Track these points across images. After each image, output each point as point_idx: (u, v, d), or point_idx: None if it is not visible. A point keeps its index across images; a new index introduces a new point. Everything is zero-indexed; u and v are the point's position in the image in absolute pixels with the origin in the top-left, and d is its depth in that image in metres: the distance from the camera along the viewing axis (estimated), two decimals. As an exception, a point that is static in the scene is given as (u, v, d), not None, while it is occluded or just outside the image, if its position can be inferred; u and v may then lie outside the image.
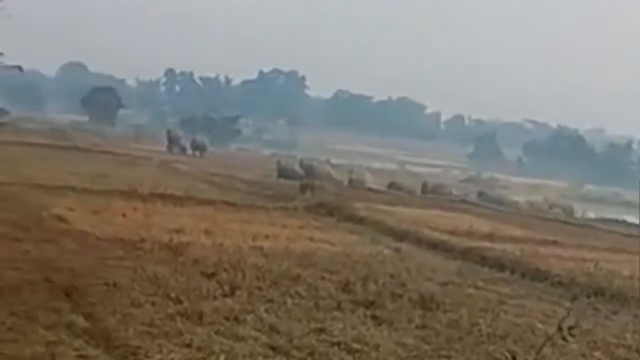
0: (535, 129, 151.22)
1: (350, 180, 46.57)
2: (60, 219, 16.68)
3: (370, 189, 40.87)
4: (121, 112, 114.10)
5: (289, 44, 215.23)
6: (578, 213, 47.32)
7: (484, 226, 25.46)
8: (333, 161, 74.05)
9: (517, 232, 25.46)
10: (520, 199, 49.82)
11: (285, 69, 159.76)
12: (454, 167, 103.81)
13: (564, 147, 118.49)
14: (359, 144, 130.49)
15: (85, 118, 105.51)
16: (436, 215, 26.63)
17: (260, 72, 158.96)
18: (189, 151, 64.83)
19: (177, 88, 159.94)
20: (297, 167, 48.14)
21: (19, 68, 19.50)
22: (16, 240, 13.39)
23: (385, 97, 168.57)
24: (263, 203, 24.93)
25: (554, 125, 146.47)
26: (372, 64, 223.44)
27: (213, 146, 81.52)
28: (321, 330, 10.07)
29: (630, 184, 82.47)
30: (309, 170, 46.19)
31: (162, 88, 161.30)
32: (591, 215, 46.13)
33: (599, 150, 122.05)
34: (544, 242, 23.08)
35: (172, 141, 67.14)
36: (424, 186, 48.53)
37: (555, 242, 23.72)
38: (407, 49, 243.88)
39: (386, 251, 17.83)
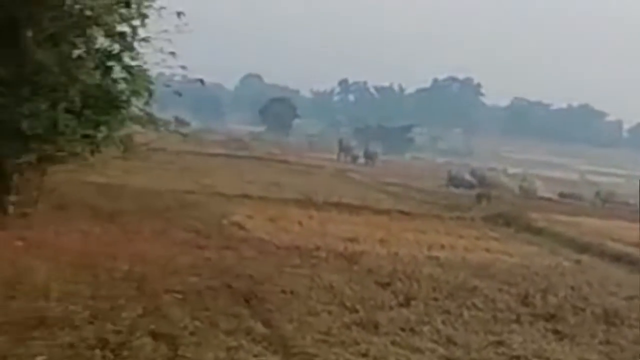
0: None
1: (521, 188, 45.46)
2: (239, 226, 17.11)
3: (547, 199, 39.71)
4: (296, 122, 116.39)
5: (464, 51, 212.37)
6: None
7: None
8: (510, 170, 72.73)
9: None
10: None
11: (461, 76, 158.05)
12: (637, 177, 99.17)
13: None
14: (537, 152, 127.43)
15: (262, 128, 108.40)
16: (617, 226, 25.44)
17: (435, 80, 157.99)
18: (360, 159, 65.57)
19: (351, 98, 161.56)
20: (468, 176, 47.55)
21: (201, 81, 20.31)
22: (198, 247, 13.82)
23: (564, 105, 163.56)
24: (438, 212, 24.66)
25: None
26: (551, 70, 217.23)
27: (387, 155, 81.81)
28: (500, 344, 9.81)
29: None
30: (481, 180, 45.49)
31: (336, 98, 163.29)
32: None
33: None
34: None
35: (343, 150, 68.34)
36: (597, 195, 46.76)
37: None
38: (586, 55, 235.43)
39: (566, 263, 17.22)
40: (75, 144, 14.08)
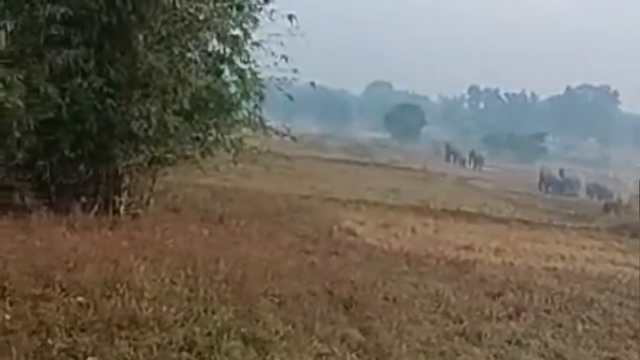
0: None
1: None
2: (350, 232, 16.87)
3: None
4: (424, 129, 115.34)
5: (600, 57, 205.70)
6: None
7: None
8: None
9: None
10: None
11: (596, 83, 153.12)
12: None
13: None
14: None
15: (388, 135, 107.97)
16: None
17: (568, 88, 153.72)
18: (468, 164, 65.67)
19: (481, 105, 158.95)
20: (558, 177, 46.54)
21: (312, 84, 20.28)
22: (304, 252, 13.62)
23: None
24: (560, 222, 23.76)
25: None
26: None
27: (517, 164, 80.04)
28: (613, 360, 9.22)
29: None
30: (569, 181, 44.36)
31: (466, 105, 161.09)
32: None
33: None
34: None
35: (451, 154, 70.44)
36: None
37: None
38: None
39: None
40: (186, 147, 14.18)
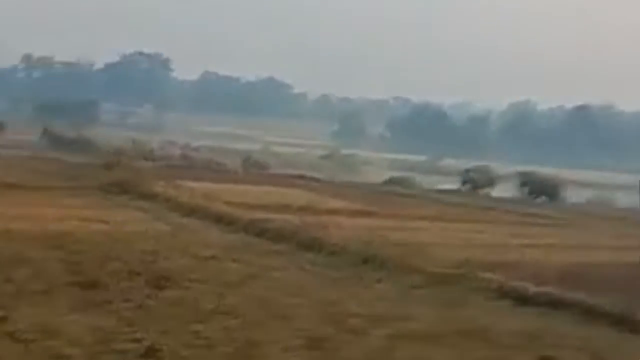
0: (400, 105, 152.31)
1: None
2: None
3: (186, 167, 38.28)
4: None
5: (151, 26, 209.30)
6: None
7: (302, 200, 24.61)
8: (195, 143, 73.28)
9: (337, 204, 24.66)
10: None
11: (148, 51, 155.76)
12: (318, 146, 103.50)
13: (426, 122, 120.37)
14: (226, 125, 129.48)
15: None
16: (249, 191, 25.42)
17: (123, 55, 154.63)
18: None
19: (36, 74, 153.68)
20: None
21: None
22: None
23: (252, 78, 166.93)
24: (57, 183, 23.15)
25: (417, 101, 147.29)
26: (238, 44, 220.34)
27: (71, 131, 78.54)
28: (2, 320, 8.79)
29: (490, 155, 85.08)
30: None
31: (21, 74, 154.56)
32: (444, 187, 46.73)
33: (461, 124, 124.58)
34: (355, 213, 22.46)
35: None
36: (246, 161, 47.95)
37: (369, 213, 23.10)
38: (270, 28, 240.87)
39: (165, 227, 16.67)
40: None
